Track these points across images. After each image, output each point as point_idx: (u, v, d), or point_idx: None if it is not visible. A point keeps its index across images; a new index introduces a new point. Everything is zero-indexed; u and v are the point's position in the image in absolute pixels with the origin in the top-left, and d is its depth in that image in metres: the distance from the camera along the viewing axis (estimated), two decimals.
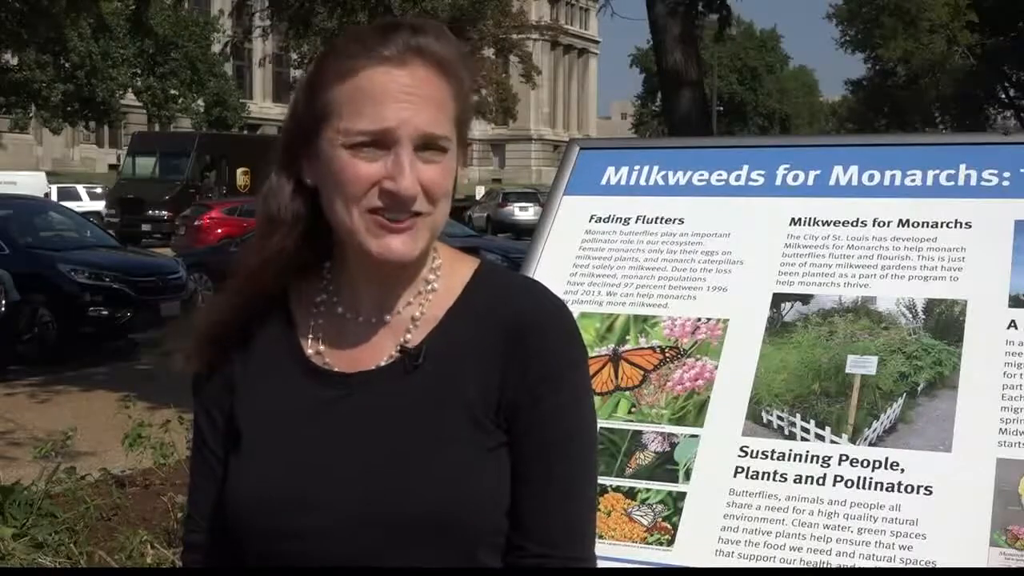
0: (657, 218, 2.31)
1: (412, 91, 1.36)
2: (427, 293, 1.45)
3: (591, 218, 2.35)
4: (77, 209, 20.16)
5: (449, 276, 1.47)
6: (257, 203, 1.48)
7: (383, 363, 1.43)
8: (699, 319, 2.13)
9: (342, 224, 1.38)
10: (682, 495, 1.94)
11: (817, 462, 1.90)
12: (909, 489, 1.82)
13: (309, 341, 1.46)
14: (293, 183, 1.44)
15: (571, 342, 1.44)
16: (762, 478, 1.91)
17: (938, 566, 1.74)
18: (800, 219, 2.20)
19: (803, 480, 1.88)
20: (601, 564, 1.48)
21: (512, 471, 1.39)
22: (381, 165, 1.36)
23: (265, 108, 63.03)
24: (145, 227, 30.35)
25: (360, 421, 1.40)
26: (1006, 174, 2.12)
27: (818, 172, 2.25)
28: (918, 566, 1.75)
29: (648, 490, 1.96)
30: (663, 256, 2.24)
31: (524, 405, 1.38)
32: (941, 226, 2.09)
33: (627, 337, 2.15)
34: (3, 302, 10.78)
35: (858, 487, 1.85)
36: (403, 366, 1.41)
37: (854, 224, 2.15)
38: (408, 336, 1.43)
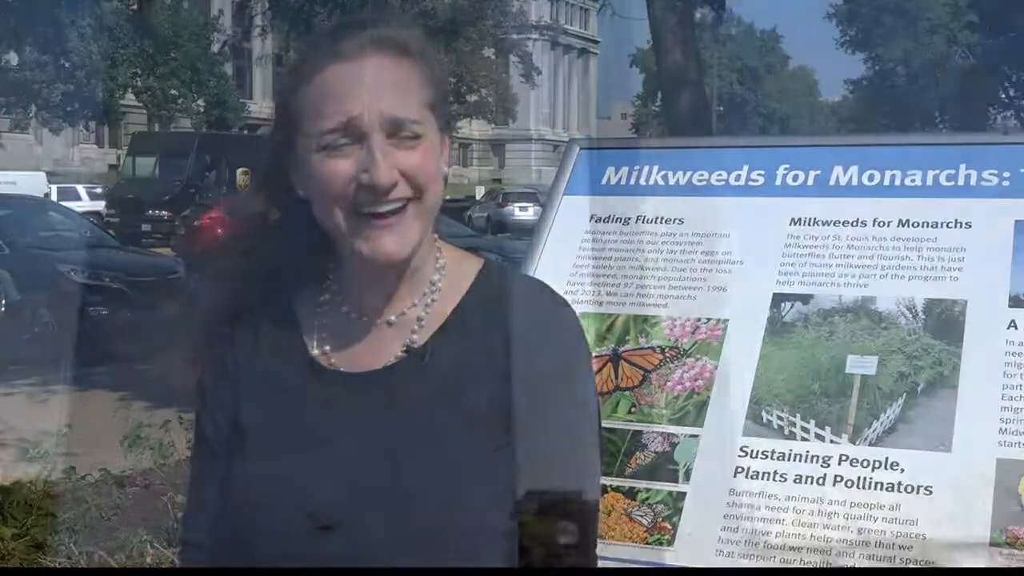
0: (657, 218, 2.30)
1: (373, 80, 1.35)
2: (432, 293, 1.45)
3: (591, 218, 2.35)
4: (77, 209, 20.20)
5: (454, 276, 1.46)
6: (239, 208, 1.49)
7: (389, 363, 1.42)
8: (699, 319, 2.13)
9: (331, 228, 1.38)
10: (682, 495, 1.93)
11: (817, 462, 1.90)
12: (909, 489, 1.82)
13: (314, 341, 1.46)
14: (274, 193, 1.45)
15: (576, 340, 1.44)
16: (762, 478, 1.90)
17: (938, 566, 1.74)
18: (800, 219, 2.19)
19: (803, 480, 1.88)
20: (601, 564, 1.48)
21: (515, 466, 1.38)
22: (354, 160, 1.34)
23: (265, 108, 62.99)
24: (145, 227, 30.33)
25: (366, 421, 1.40)
26: (1006, 174, 2.12)
27: (818, 172, 2.25)
28: (918, 566, 1.75)
29: (648, 490, 1.96)
30: (663, 256, 2.24)
31: (530, 404, 1.38)
32: (941, 226, 2.09)
33: (627, 337, 2.15)
34: (3, 302, 10.79)
35: (858, 487, 1.85)
36: (409, 366, 1.41)
37: (854, 224, 2.15)
38: (414, 336, 1.43)
